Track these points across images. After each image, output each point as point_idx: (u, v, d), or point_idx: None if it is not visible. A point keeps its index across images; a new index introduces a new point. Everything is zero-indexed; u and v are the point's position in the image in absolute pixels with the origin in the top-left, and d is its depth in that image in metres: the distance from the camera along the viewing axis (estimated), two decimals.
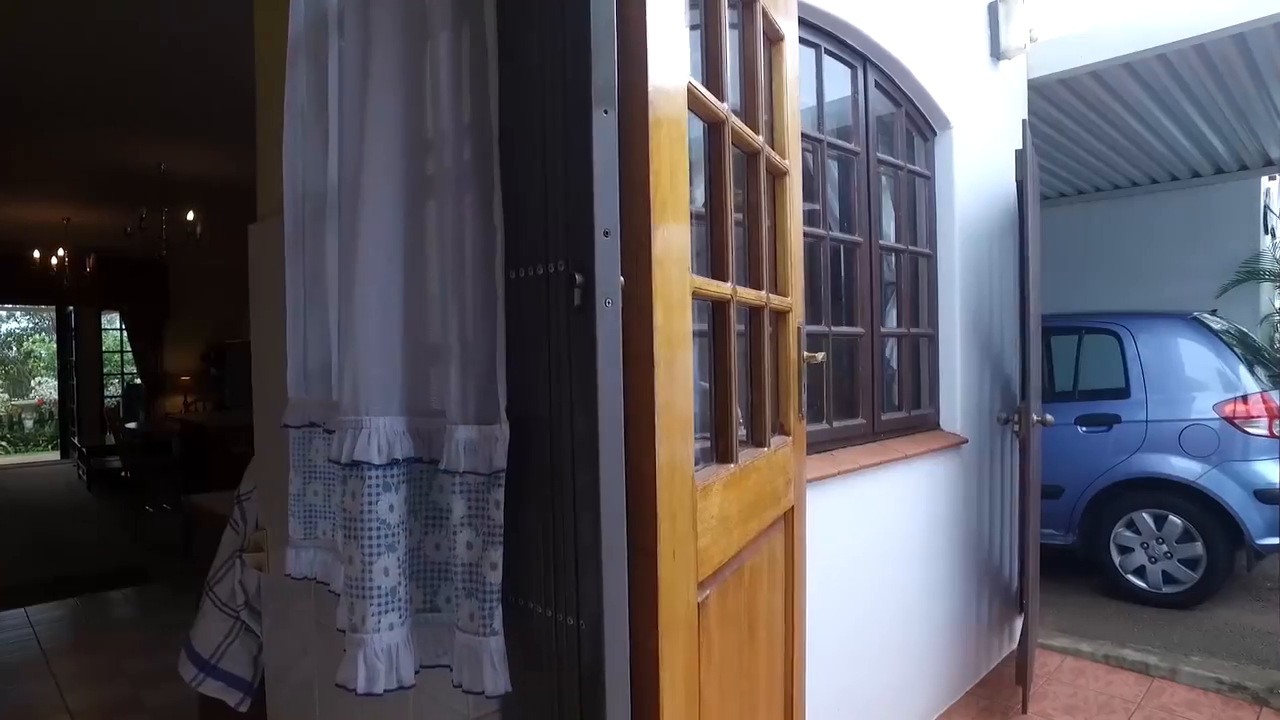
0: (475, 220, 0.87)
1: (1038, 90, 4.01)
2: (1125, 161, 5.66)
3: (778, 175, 1.68)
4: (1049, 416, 2.92)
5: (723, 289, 1.29)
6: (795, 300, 1.75)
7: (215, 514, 2.00)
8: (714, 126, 1.33)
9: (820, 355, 1.78)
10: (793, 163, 1.74)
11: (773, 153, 1.62)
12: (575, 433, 0.81)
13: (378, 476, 0.88)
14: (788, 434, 1.70)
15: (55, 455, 11.95)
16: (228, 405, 6.39)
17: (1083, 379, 4.60)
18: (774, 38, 1.69)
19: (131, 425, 6.67)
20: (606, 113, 0.81)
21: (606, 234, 0.80)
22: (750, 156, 1.53)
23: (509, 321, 0.87)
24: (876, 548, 2.67)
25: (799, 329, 1.76)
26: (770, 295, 1.57)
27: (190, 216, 6.16)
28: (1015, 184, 3.16)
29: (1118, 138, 5.03)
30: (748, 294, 1.43)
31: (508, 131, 0.88)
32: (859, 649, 2.55)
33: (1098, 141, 5.14)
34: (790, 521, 1.73)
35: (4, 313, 14.20)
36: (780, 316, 1.67)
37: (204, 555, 1.96)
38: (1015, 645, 3.57)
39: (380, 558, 0.87)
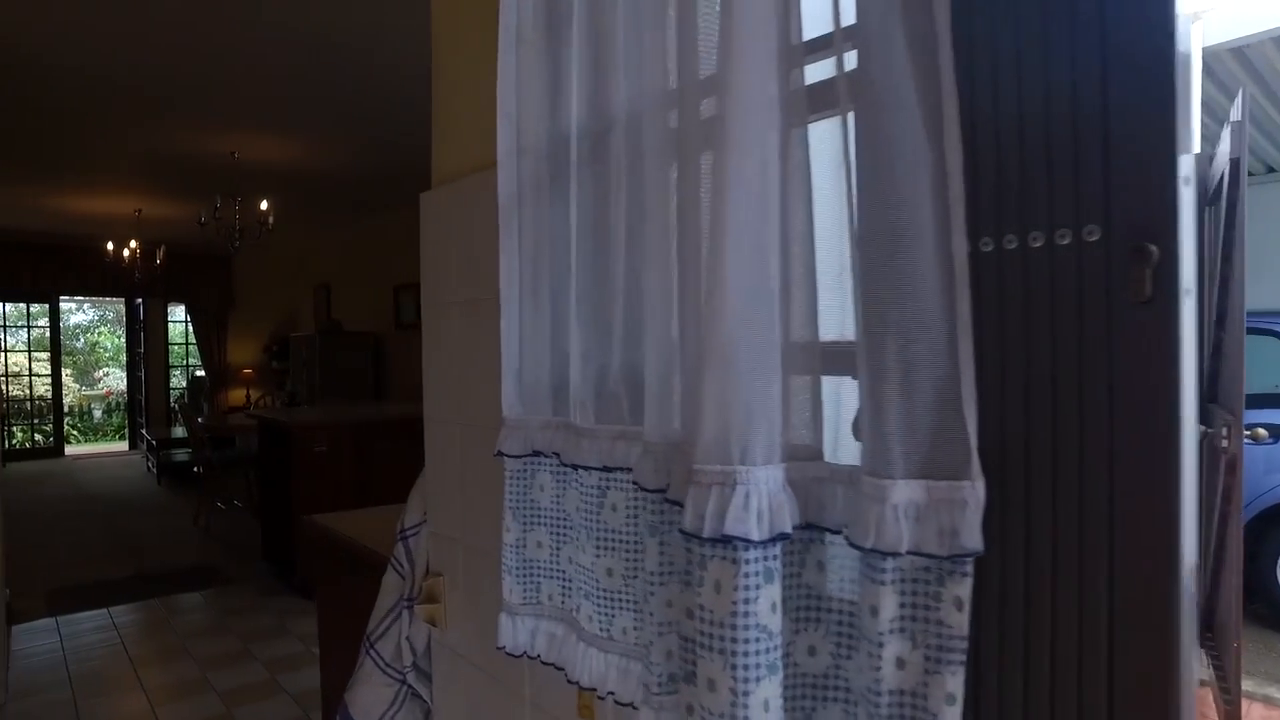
0: (913, 161, 0.56)
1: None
2: (1271, 145, 5.17)
3: None
4: (1260, 429, 2.53)
5: None
6: None
7: (338, 538, 1.75)
8: None
9: None
10: None
11: None
12: (1115, 492, 0.51)
13: (757, 560, 0.58)
14: None
15: (124, 445, 12.07)
16: (298, 401, 6.24)
17: None
18: None
19: (202, 420, 6.57)
20: None
21: (1187, 182, 0.49)
22: None
23: (974, 317, 0.56)
24: None
25: None
26: None
27: (264, 206, 6.00)
28: (1229, 161, 2.77)
29: (1274, 115, 4.57)
30: None
31: (966, 14, 0.56)
32: None
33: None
34: None
35: (73, 305, 14.43)
36: None
37: (349, 599, 1.69)
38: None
39: (760, 683, 0.58)
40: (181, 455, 8.36)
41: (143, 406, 11.19)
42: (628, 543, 0.83)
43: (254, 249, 10.96)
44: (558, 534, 0.95)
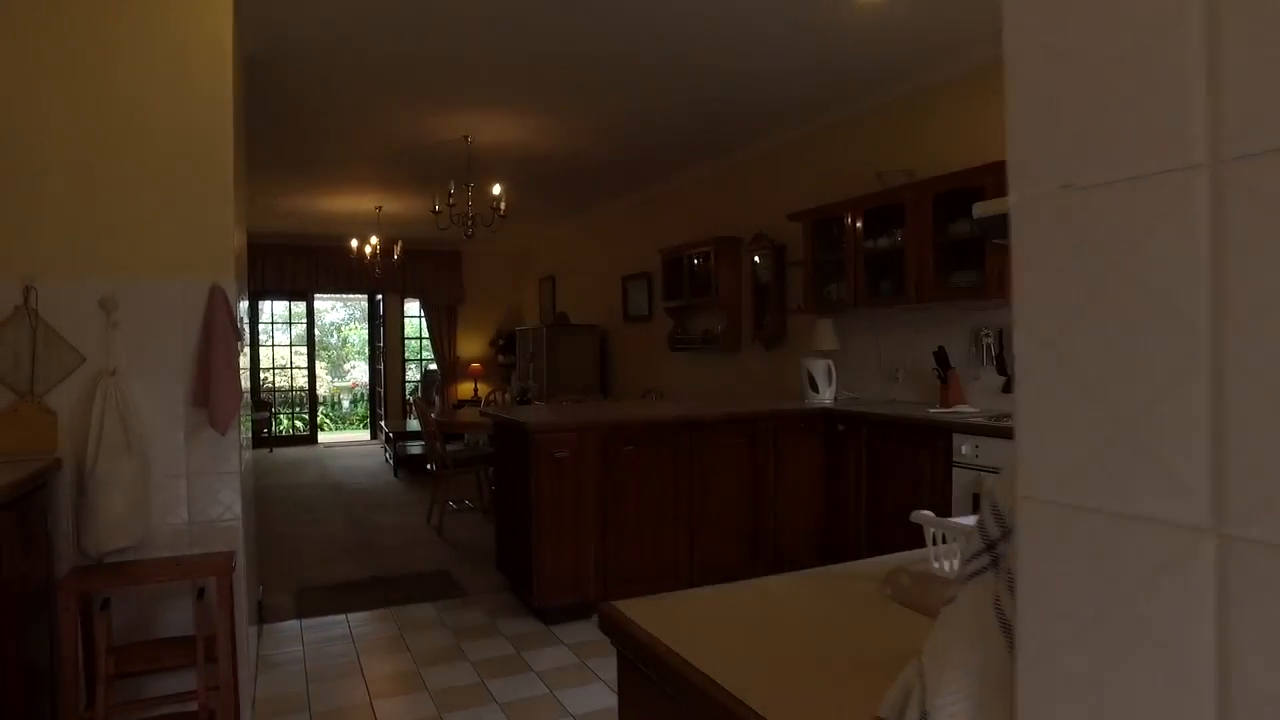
0: None
1: None
2: None
3: None
4: None
5: None
6: None
7: (669, 668, 1.04)
8: None
9: None
10: None
11: None
12: None
13: None
14: None
15: (366, 435, 12.80)
16: (529, 398, 5.89)
17: None
18: None
19: (435, 415, 6.46)
20: None
21: None
22: None
23: None
24: None
25: None
26: None
27: (497, 190, 5.69)
28: None
29: None
30: None
31: None
32: None
33: None
34: None
35: (329, 304, 15.66)
36: None
37: None
38: None
39: None
40: (415, 448, 8.48)
41: (382, 398, 11.74)
42: None
43: (483, 242, 11.11)
44: None
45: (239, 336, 2.81)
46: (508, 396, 7.16)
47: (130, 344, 2.70)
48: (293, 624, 3.96)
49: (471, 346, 11.75)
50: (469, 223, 5.84)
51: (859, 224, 4.76)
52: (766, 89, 4.95)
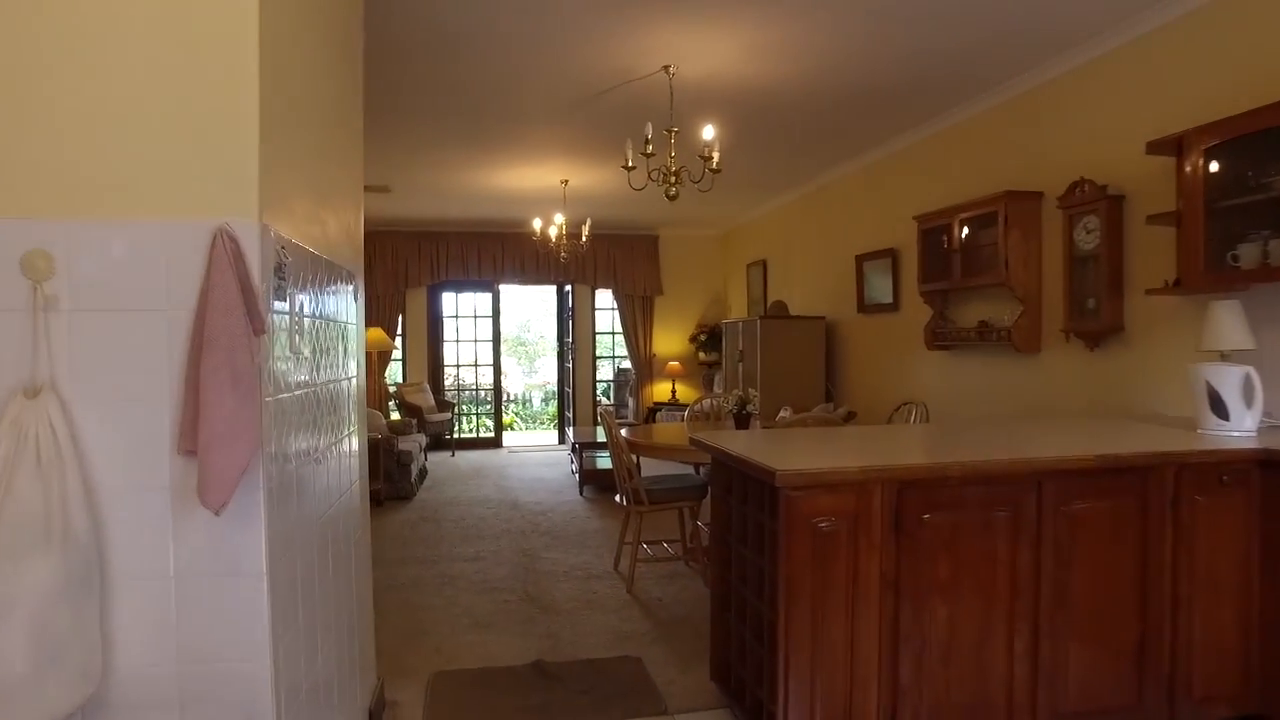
0: None
1: None
2: None
3: None
4: None
5: None
6: None
7: None
8: None
9: None
10: None
11: None
12: None
13: None
14: None
15: (554, 436, 11.95)
16: (749, 411, 4.41)
17: None
18: None
19: (626, 432, 5.07)
20: None
21: None
22: None
23: None
24: None
25: None
26: None
27: (708, 134, 4.23)
28: None
29: None
30: None
31: None
32: None
33: None
34: None
35: (522, 297, 15.09)
36: None
37: None
38: None
39: None
40: (604, 459, 7.28)
41: (570, 399, 10.75)
42: None
43: (682, 225, 9.74)
44: None
45: (263, 329, 1.52)
46: (714, 403, 5.74)
47: (76, 339, 1.49)
48: None
49: (669, 343, 10.45)
50: (672, 179, 4.42)
51: None
52: None
